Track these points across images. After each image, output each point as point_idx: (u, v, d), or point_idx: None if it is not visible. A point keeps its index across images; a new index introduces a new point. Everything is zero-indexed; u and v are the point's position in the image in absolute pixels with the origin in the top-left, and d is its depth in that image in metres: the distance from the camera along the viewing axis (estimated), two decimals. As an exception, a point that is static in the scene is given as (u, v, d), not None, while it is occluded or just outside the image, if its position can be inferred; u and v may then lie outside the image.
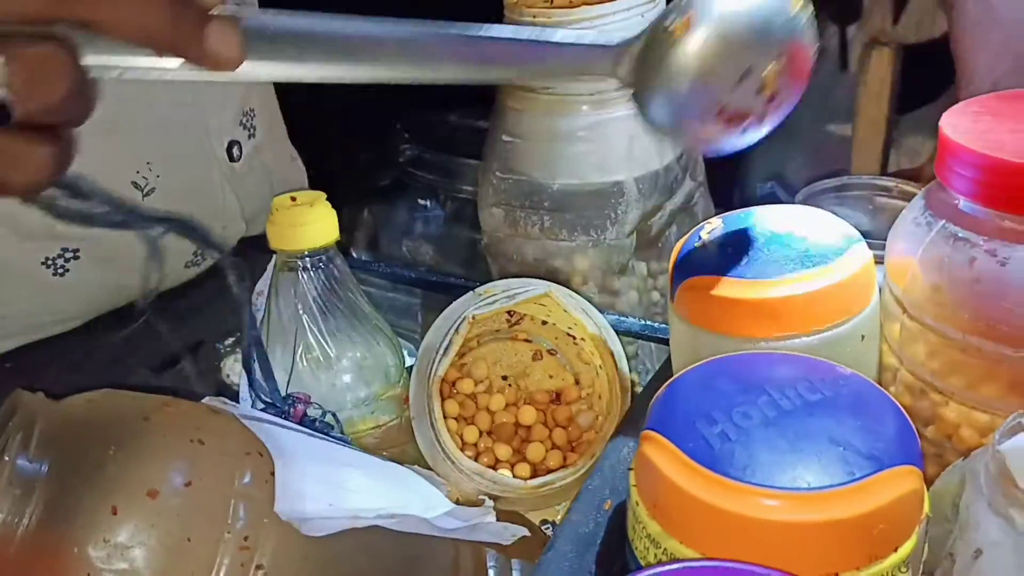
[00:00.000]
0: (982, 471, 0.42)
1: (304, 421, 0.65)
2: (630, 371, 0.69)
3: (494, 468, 0.66)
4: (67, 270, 0.77)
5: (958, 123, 0.51)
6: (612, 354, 0.67)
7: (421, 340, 0.71)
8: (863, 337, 0.55)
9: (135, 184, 0.78)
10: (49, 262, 0.77)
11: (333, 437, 0.65)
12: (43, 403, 0.53)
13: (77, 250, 0.77)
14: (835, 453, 0.42)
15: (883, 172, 1.28)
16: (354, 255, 1.00)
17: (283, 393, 0.66)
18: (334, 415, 0.66)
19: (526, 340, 0.73)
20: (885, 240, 0.57)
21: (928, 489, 0.44)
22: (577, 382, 0.72)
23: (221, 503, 0.51)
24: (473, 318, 0.66)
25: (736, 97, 0.44)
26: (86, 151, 0.75)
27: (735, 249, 0.56)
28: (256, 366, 0.65)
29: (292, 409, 0.65)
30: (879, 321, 0.57)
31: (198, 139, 0.83)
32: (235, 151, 0.87)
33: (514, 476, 0.66)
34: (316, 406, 0.66)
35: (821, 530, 0.40)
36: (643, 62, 0.45)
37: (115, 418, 0.54)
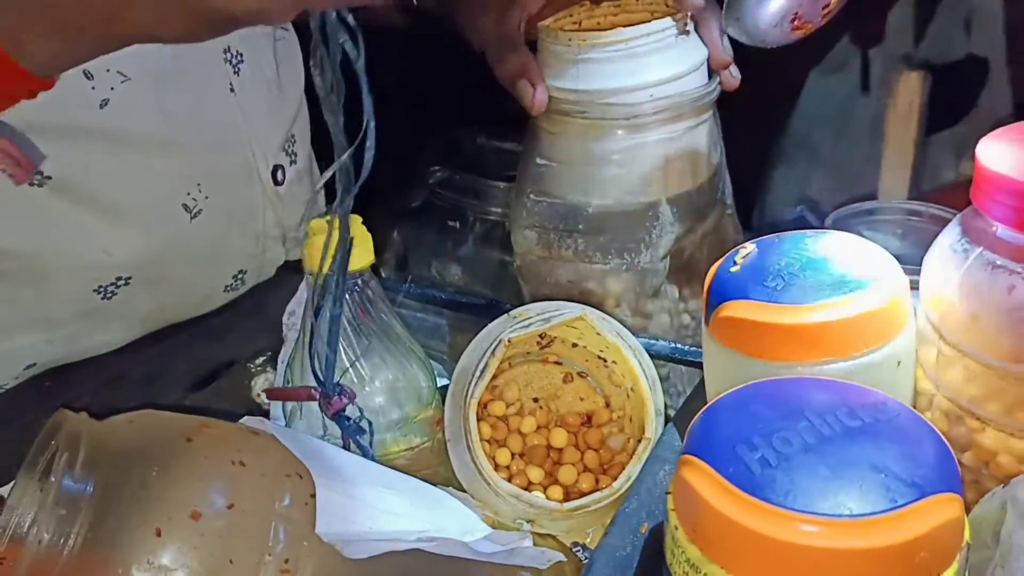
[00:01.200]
0: (1024, 499, 0.42)
1: (339, 416, 0.65)
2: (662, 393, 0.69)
3: (527, 490, 0.67)
4: (115, 294, 0.78)
5: (995, 150, 0.51)
6: (646, 377, 0.68)
7: (450, 360, 0.72)
8: (899, 363, 0.55)
9: (185, 206, 0.79)
10: (101, 289, 0.77)
11: (360, 446, 0.65)
12: (86, 423, 0.54)
13: (130, 277, 0.77)
14: (877, 480, 0.42)
15: (911, 195, 1.28)
16: (383, 276, 1.00)
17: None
18: (369, 423, 0.66)
19: (557, 362, 0.73)
20: (917, 264, 0.57)
21: (967, 516, 0.44)
22: (608, 405, 0.72)
23: (262, 525, 0.51)
24: (509, 341, 0.67)
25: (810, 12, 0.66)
26: (140, 174, 0.76)
27: (770, 274, 0.57)
28: (327, 339, 0.64)
29: (335, 397, 0.65)
30: (915, 347, 0.57)
31: (246, 160, 0.83)
32: (279, 175, 0.87)
33: (547, 498, 0.66)
34: (357, 408, 0.66)
35: (863, 558, 0.40)
36: None
37: (157, 439, 0.54)
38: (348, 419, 0.66)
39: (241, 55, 0.81)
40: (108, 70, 0.71)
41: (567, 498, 0.67)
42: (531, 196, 0.75)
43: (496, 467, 0.69)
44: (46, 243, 0.74)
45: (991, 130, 0.55)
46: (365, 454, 0.66)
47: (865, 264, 0.56)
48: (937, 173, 1.53)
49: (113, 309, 0.78)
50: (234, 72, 0.81)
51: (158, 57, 0.73)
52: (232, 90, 0.81)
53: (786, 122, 1.79)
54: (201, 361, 0.83)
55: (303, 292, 0.78)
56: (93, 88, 0.70)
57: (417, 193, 1.04)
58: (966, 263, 0.52)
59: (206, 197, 0.80)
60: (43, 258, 0.74)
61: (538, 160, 0.74)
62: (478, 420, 0.70)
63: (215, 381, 0.82)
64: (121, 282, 0.77)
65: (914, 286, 0.57)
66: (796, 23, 0.66)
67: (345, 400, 0.65)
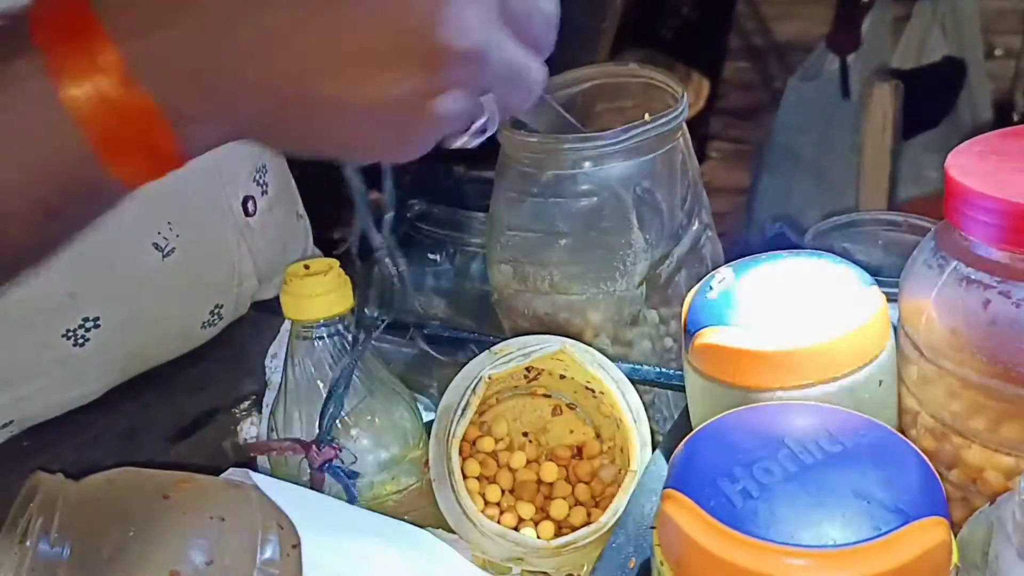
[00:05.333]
0: (1009, 519, 0.41)
1: (330, 465, 0.66)
2: (648, 420, 0.69)
3: (517, 528, 0.66)
4: (87, 340, 0.77)
5: (964, 164, 0.51)
6: (630, 408, 0.67)
7: (437, 395, 0.71)
8: (881, 382, 0.55)
9: (156, 245, 0.78)
10: (70, 333, 0.76)
11: (350, 492, 0.65)
12: (63, 484, 0.53)
13: (98, 318, 0.76)
14: (860, 507, 0.41)
15: (891, 204, 1.28)
16: (365, 312, 1.00)
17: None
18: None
19: (545, 395, 0.73)
20: (897, 277, 0.57)
21: (956, 535, 0.44)
22: (598, 436, 0.71)
23: (244, 580, 0.51)
24: (490, 377, 0.66)
25: None
26: (110, 217, 0.74)
27: (747, 299, 0.56)
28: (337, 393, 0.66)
29: (325, 448, 0.66)
30: (896, 364, 0.56)
31: (214, 195, 0.83)
32: (250, 206, 0.87)
33: (538, 535, 0.66)
34: (341, 456, 0.67)
35: (849, 588, 0.40)
36: None
37: (134, 497, 0.53)
38: (339, 468, 0.66)
39: None
40: None
41: (559, 533, 0.66)
42: (504, 231, 0.75)
43: (486, 504, 0.68)
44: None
45: (973, 131, 0.55)
46: (352, 500, 0.66)
47: (841, 284, 0.56)
48: (920, 178, 1.53)
49: (89, 356, 0.77)
50: None
51: None
52: None
53: (769, 137, 1.80)
54: (183, 411, 0.82)
55: (285, 335, 0.78)
56: None
57: (397, 226, 1.03)
58: (941, 278, 0.51)
59: (177, 235, 0.79)
60: (5, 308, 0.73)
61: (510, 194, 0.74)
62: (467, 457, 0.69)
63: (199, 430, 0.81)
64: (90, 323, 0.76)
65: (893, 299, 0.57)
66: None
67: (334, 451, 0.65)
